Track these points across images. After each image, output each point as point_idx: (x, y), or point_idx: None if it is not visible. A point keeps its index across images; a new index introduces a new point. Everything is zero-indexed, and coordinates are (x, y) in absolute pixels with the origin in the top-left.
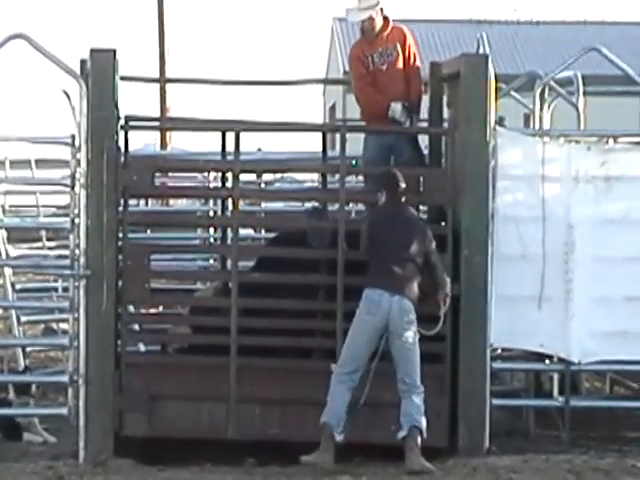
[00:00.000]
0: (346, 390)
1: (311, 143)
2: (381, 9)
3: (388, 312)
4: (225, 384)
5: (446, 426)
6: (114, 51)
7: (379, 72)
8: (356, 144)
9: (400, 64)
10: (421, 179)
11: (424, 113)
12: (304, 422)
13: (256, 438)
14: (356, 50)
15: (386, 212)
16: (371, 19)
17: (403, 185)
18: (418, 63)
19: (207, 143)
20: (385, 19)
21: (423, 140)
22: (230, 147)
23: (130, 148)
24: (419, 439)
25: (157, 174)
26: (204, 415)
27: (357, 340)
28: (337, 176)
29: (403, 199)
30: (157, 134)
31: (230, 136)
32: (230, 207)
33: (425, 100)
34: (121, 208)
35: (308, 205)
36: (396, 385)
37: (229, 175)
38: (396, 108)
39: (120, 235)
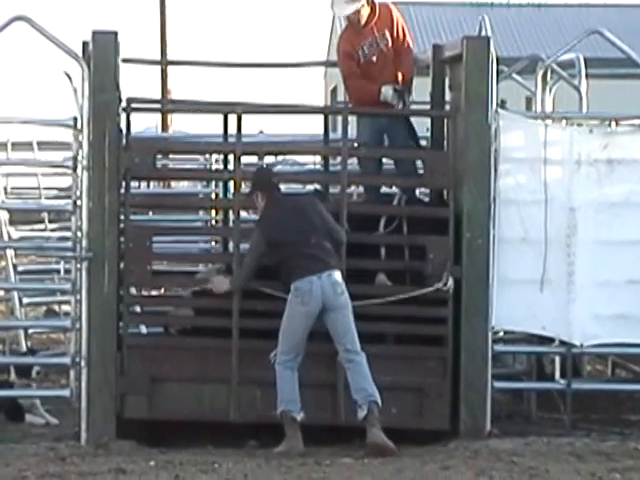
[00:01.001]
0: (292, 374)
1: (313, 126)
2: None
3: (321, 294)
4: (226, 366)
5: (448, 409)
6: (116, 33)
7: (370, 64)
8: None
9: (391, 50)
10: (422, 162)
11: (425, 96)
12: (305, 404)
13: (257, 420)
14: (344, 45)
15: (272, 213)
16: (357, 11)
17: (274, 176)
18: (408, 39)
19: (208, 126)
20: (372, 7)
21: (424, 123)
22: (232, 129)
23: (132, 130)
24: (377, 412)
25: (159, 156)
26: (205, 397)
27: (294, 330)
28: (339, 158)
29: (280, 189)
30: (158, 117)
31: (232, 118)
32: (232, 189)
33: (427, 83)
34: (123, 190)
35: (309, 188)
36: (395, 368)
37: (231, 157)
38: (387, 92)
39: (122, 217)
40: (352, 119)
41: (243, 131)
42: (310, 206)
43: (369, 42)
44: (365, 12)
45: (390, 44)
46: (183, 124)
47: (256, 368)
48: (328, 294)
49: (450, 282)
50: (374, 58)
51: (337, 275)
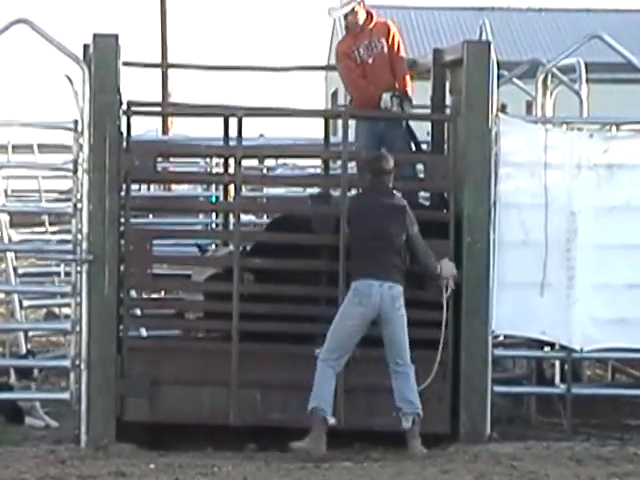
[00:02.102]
0: (333, 375)
1: (313, 129)
2: (363, 3)
3: (379, 302)
4: (226, 369)
5: (448, 412)
6: (116, 36)
7: (366, 65)
8: None
9: (386, 55)
10: (421, 166)
11: (426, 100)
12: (304, 407)
13: (257, 423)
14: (342, 46)
15: (365, 199)
16: (354, 12)
17: (388, 168)
18: (402, 54)
19: (209, 129)
20: (368, 13)
21: (426, 126)
22: (232, 133)
23: (132, 133)
24: (419, 424)
25: (159, 159)
26: (205, 400)
27: (345, 329)
28: (339, 162)
29: (388, 182)
30: (158, 120)
31: (232, 122)
32: (232, 193)
33: (427, 87)
34: (123, 193)
35: (310, 191)
36: None
37: (231, 161)
38: (387, 99)
39: (122, 220)
40: (352, 123)
41: (244, 134)
42: (398, 215)
43: (365, 44)
44: (362, 16)
45: (386, 50)
46: (183, 127)
47: (256, 371)
48: (386, 305)
49: (451, 285)
50: (370, 60)
51: (398, 290)
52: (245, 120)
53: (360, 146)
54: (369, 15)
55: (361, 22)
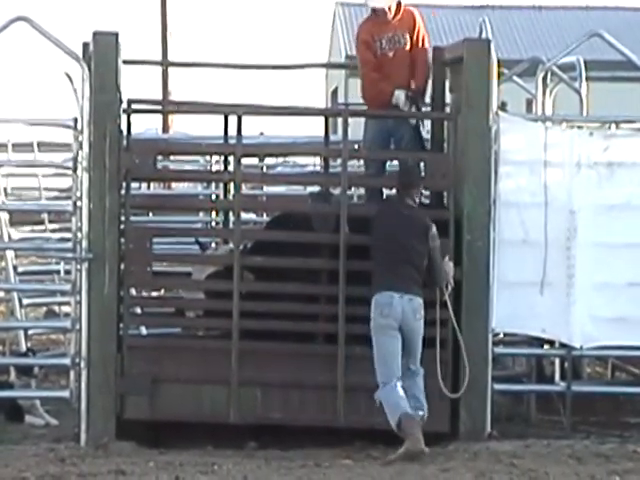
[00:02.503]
0: (396, 385)
1: (313, 127)
2: None
3: (401, 313)
4: (227, 367)
5: (448, 411)
6: (117, 34)
7: (386, 58)
8: (358, 128)
9: (407, 51)
10: (422, 164)
11: (427, 98)
12: (305, 406)
13: (257, 422)
14: (364, 34)
15: (390, 210)
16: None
17: (416, 182)
18: (426, 46)
19: (209, 127)
20: (398, 3)
21: (425, 125)
22: (232, 131)
23: (132, 131)
24: (422, 423)
25: (159, 157)
26: (206, 398)
27: (383, 347)
28: (339, 160)
29: (415, 195)
30: (158, 118)
31: (232, 120)
32: (232, 191)
33: (427, 85)
34: (123, 191)
35: (310, 189)
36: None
37: (231, 159)
38: (399, 96)
39: (122, 218)
40: (353, 121)
41: (243, 132)
42: (422, 232)
43: (388, 37)
44: (393, 7)
45: (408, 46)
46: (184, 125)
47: (256, 369)
48: (408, 316)
49: (451, 283)
50: (391, 54)
51: (419, 302)
52: (245, 118)
53: (368, 141)
54: (398, 5)
55: (392, 13)
